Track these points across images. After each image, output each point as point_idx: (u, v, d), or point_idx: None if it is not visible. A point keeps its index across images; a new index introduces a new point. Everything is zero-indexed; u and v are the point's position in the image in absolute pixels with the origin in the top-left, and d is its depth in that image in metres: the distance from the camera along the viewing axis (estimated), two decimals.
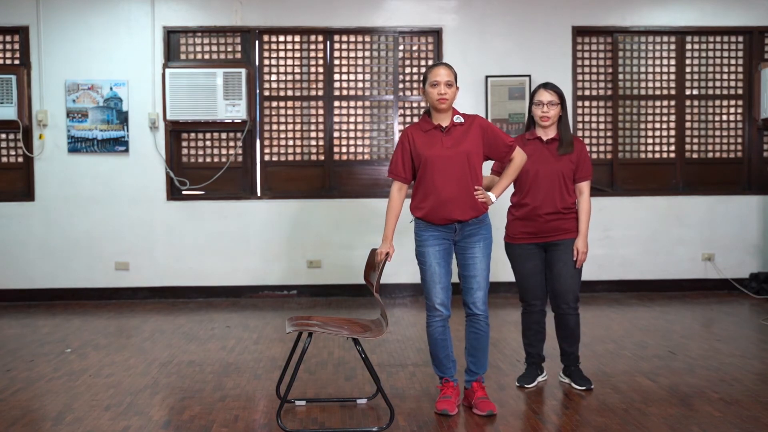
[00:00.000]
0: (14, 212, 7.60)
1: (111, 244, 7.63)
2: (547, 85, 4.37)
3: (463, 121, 4.00)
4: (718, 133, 8.04)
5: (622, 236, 7.83)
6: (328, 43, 7.79)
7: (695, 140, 8.03)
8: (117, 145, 7.60)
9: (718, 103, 8.03)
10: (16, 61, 7.61)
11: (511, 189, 4.47)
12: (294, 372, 3.80)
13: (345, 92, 7.84)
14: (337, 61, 7.83)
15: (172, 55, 7.66)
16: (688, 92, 8.01)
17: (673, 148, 8.01)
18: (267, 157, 7.81)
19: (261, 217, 7.70)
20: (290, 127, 7.83)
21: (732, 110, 8.03)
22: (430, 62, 7.75)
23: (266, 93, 7.79)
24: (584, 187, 4.40)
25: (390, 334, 5.91)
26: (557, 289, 4.37)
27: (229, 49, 7.72)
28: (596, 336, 5.77)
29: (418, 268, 4.07)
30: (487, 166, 4.37)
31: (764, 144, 8.05)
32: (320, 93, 7.83)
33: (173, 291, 7.70)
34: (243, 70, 7.44)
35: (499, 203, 4.52)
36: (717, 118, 8.03)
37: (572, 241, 4.36)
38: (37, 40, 7.52)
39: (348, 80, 7.84)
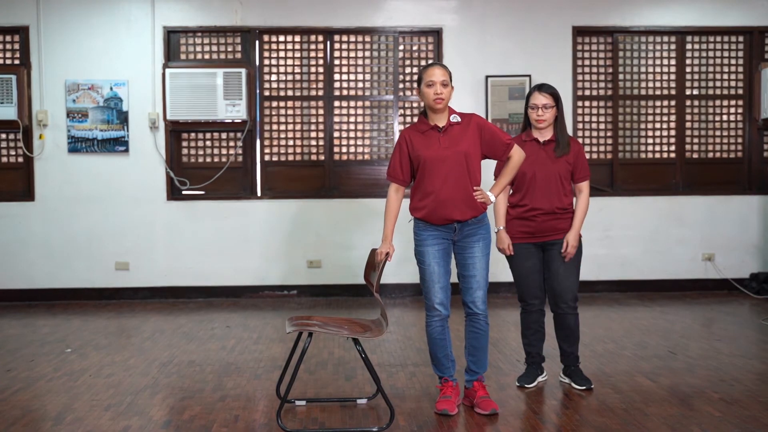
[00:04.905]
0: (14, 212, 7.60)
1: (111, 244, 7.63)
2: (541, 88, 4.36)
3: (460, 120, 4.00)
4: (718, 133, 8.04)
5: (622, 236, 7.83)
6: (328, 43, 7.80)
7: (695, 140, 8.03)
8: (117, 145, 7.60)
9: (718, 103, 8.03)
10: (16, 61, 7.61)
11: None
12: (294, 372, 3.80)
13: (345, 92, 7.84)
14: (337, 61, 7.83)
15: (172, 55, 7.66)
16: (688, 92, 8.01)
17: (673, 148, 8.01)
18: (267, 157, 7.81)
19: (261, 217, 7.70)
20: (290, 127, 7.83)
21: (732, 110, 8.03)
22: (431, 62, 7.75)
23: (266, 93, 7.79)
24: (584, 186, 4.42)
25: (390, 334, 5.91)
26: (555, 288, 4.37)
27: (229, 49, 7.73)
28: (596, 336, 5.77)
29: (417, 267, 4.07)
30: (487, 167, 4.37)
31: (764, 144, 8.05)
32: (320, 93, 7.83)
33: (173, 291, 7.70)
34: (243, 70, 7.44)
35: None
36: (717, 118, 8.03)
37: None
38: (37, 40, 7.52)
39: (348, 80, 7.84)
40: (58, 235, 7.61)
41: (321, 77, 7.83)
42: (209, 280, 7.70)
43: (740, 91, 8.02)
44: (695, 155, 8.04)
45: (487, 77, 7.68)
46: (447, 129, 3.98)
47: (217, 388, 4.50)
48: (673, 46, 7.97)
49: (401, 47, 7.85)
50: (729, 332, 5.96)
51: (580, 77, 7.89)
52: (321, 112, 7.83)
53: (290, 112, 7.83)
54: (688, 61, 7.99)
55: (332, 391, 4.42)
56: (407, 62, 7.85)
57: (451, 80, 3.97)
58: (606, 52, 7.93)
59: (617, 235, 7.82)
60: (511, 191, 4.47)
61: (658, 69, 7.98)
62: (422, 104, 4.08)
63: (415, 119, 7.69)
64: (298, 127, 7.84)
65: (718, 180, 8.01)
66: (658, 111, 8.00)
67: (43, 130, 7.57)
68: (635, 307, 7.09)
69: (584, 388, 4.37)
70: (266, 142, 7.81)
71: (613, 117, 7.93)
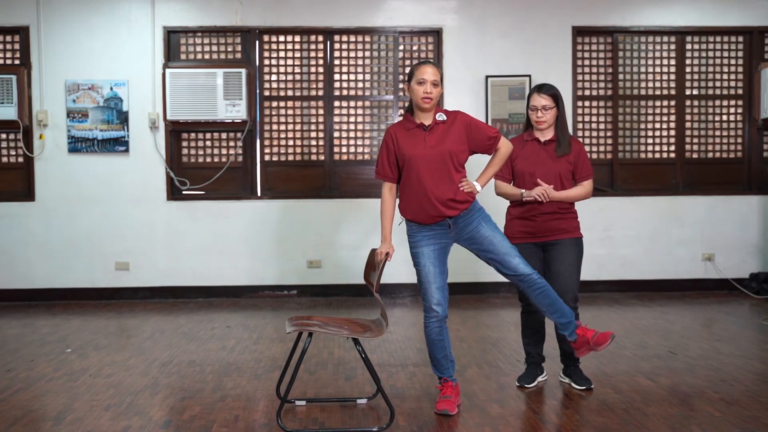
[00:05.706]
0: (14, 212, 7.60)
1: (111, 244, 7.63)
2: (541, 89, 4.36)
3: (445, 118, 3.99)
4: (718, 133, 8.04)
5: (622, 236, 7.83)
6: (328, 43, 7.79)
7: (695, 140, 8.03)
8: (117, 145, 7.60)
9: (718, 103, 8.03)
10: (17, 61, 7.61)
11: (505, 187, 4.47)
12: (294, 372, 3.80)
13: (345, 92, 7.84)
14: (337, 61, 7.83)
15: (172, 55, 7.66)
16: (688, 92, 8.01)
17: (673, 148, 8.01)
18: (267, 157, 7.81)
19: (261, 217, 7.70)
20: (290, 127, 7.83)
21: (732, 110, 8.03)
22: (423, 60, 7.75)
23: (266, 93, 7.79)
24: (586, 183, 4.43)
25: (390, 334, 5.91)
26: (556, 288, 4.35)
27: (229, 49, 7.72)
28: None
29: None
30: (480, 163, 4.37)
31: (764, 144, 8.05)
32: (320, 93, 7.83)
33: (173, 291, 7.70)
34: (243, 70, 7.44)
35: (498, 202, 4.53)
36: (717, 118, 8.03)
37: (571, 240, 4.37)
38: (37, 40, 7.52)
39: (348, 80, 7.84)
40: (58, 235, 7.61)
41: (321, 77, 7.83)
42: (209, 280, 7.70)
43: (740, 91, 8.02)
44: (695, 155, 8.04)
45: (487, 77, 7.68)
46: (432, 128, 3.97)
47: (217, 388, 4.50)
48: (673, 46, 7.97)
49: (401, 47, 7.84)
50: (729, 332, 5.96)
51: (580, 77, 7.89)
52: (321, 112, 7.83)
53: (290, 112, 7.83)
54: (688, 61, 7.99)
55: (332, 391, 4.42)
56: (407, 62, 7.85)
57: (442, 81, 3.97)
58: (606, 52, 7.93)
59: (617, 235, 7.82)
60: None
61: (658, 69, 7.98)
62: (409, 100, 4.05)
63: None
64: (298, 127, 7.84)
65: (718, 180, 8.01)
66: (658, 111, 8.00)
67: (43, 130, 7.57)
68: (635, 307, 7.09)
69: (584, 388, 4.37)
70: (266, 142, 7.81)
71: (613, 117, 7.93)
